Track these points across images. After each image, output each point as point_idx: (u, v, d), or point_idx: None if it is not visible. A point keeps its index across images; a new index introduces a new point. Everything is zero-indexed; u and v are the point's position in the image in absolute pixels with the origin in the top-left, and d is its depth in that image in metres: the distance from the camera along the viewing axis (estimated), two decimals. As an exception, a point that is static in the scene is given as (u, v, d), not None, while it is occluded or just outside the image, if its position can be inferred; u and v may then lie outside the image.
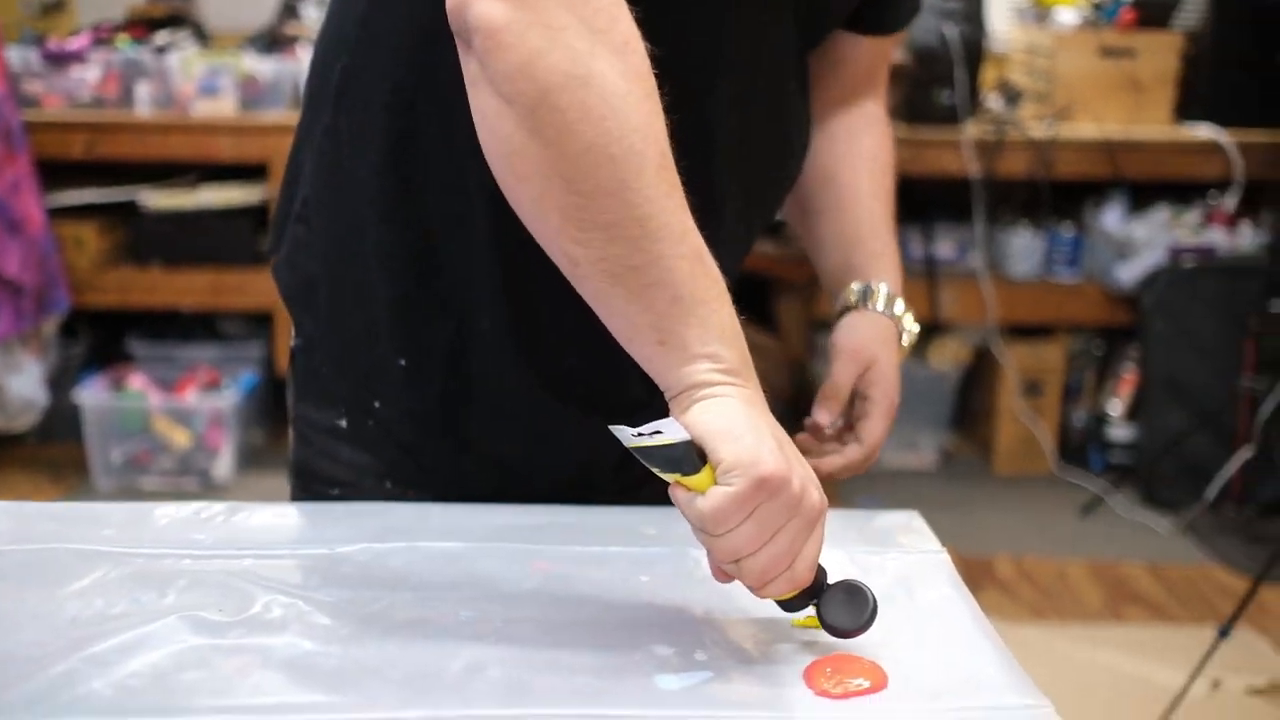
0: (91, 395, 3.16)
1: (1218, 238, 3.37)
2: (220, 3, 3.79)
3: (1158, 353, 3.33)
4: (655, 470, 0.77)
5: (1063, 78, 3.35)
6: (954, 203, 3.40)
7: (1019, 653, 0.83)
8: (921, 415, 3.49)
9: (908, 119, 3.25)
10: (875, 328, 1.09)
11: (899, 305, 1.10)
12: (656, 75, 0.78)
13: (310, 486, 1.06)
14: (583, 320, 0.81)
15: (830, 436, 1.08)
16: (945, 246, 3.47)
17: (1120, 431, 3.48)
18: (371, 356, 1.01)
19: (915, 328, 1.12)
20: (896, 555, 0.97)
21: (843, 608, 0.80)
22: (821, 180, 1.12)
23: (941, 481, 3.42)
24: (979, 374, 3.58)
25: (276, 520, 1.00)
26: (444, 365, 0.99)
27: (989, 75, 3.40)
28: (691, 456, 0.75)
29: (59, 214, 3.22)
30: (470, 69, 0.78)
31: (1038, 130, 3.29)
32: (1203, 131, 3.32)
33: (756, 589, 0.78)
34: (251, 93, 3.20)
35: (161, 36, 3.35)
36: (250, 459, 3.31)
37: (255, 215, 3.28)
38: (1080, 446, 3.55)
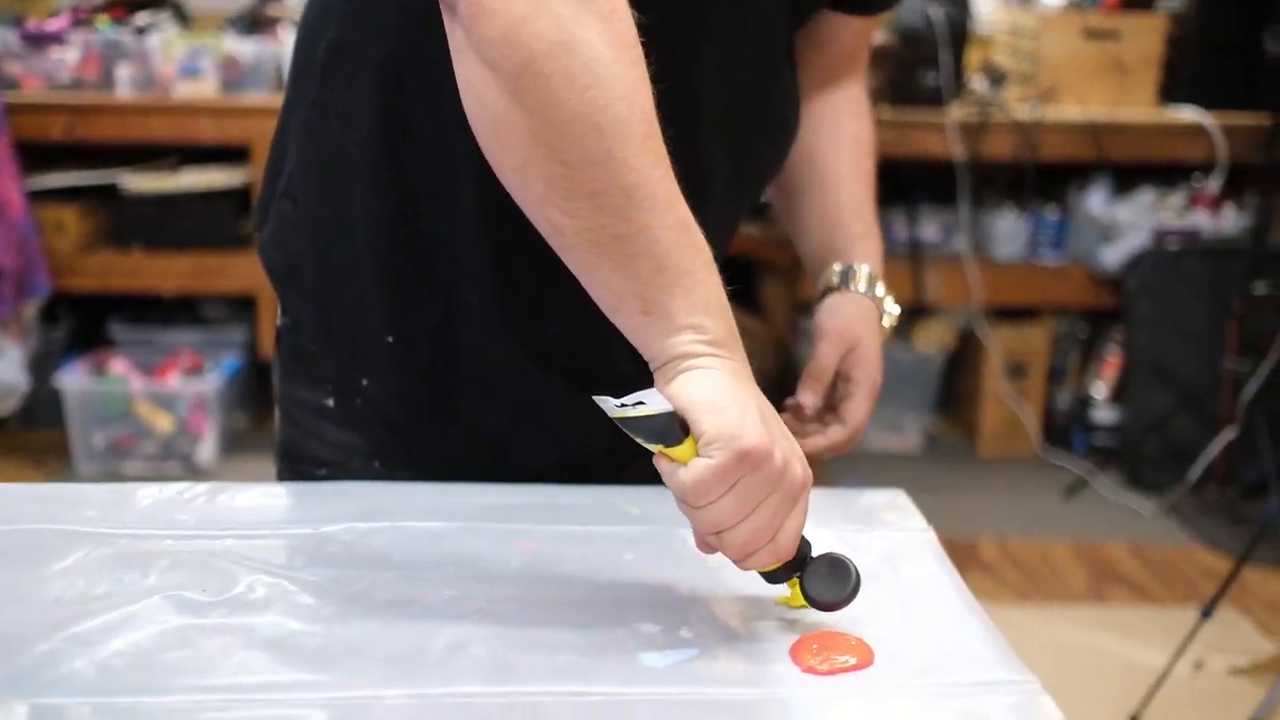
0: (73, 380, 3.15)
1: (1202, 220, 3.37)
2: (201, -16, 3.76)
3: (1142, 335, 3.34)
4: (639, 441, 0.76)
5: (1047, 60, 3.35)
6: (939, 185, 3.39)
7: (1003, 633, 0.83)
8: (906, 398, 3.49)
9: (892, 101, 3.24)
10: (858, 309, 1.09)
11: (880, 287, 1.10)
12: (643, 43, 0.77)
13: (297, 467, 1.05)
14: (570, 294, 0.81)
15: (812, 418, 1.08)
16: (930, 229, 3.47)
17: (1104, 414, 3.49)
18: (359, 334, 1.00)
19: (896, 309, 1.12)
20: (882, 533, 0.97)
21: (825, 581, 0.80)
22: (803, 161, 1.12)
23: (926, 464, 3.43)
24: (964, 357, 3.59)
25: (260, 501, 0.99)
26: (432, 341, 0.99)
27: (974, 57, 3.39)
28: (674, 428, 0.75)
29: (39, 197, 3.19)
30: (455, 36, 0.78)
31: (1022, 112, 3.29)
32: (1187, 114, 3.32)
33: (738, 561, 0.78)
34: (233, 74, 3.18)
35: (142, 17, 3.31)
36: (233, 443, 3.30)
37: (237, 198, 3.26)
38: (1064, 429, 3.56)
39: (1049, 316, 3.53)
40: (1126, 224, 3.36)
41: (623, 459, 0.94)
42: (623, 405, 0.75)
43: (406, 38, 0.91)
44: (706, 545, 0.79)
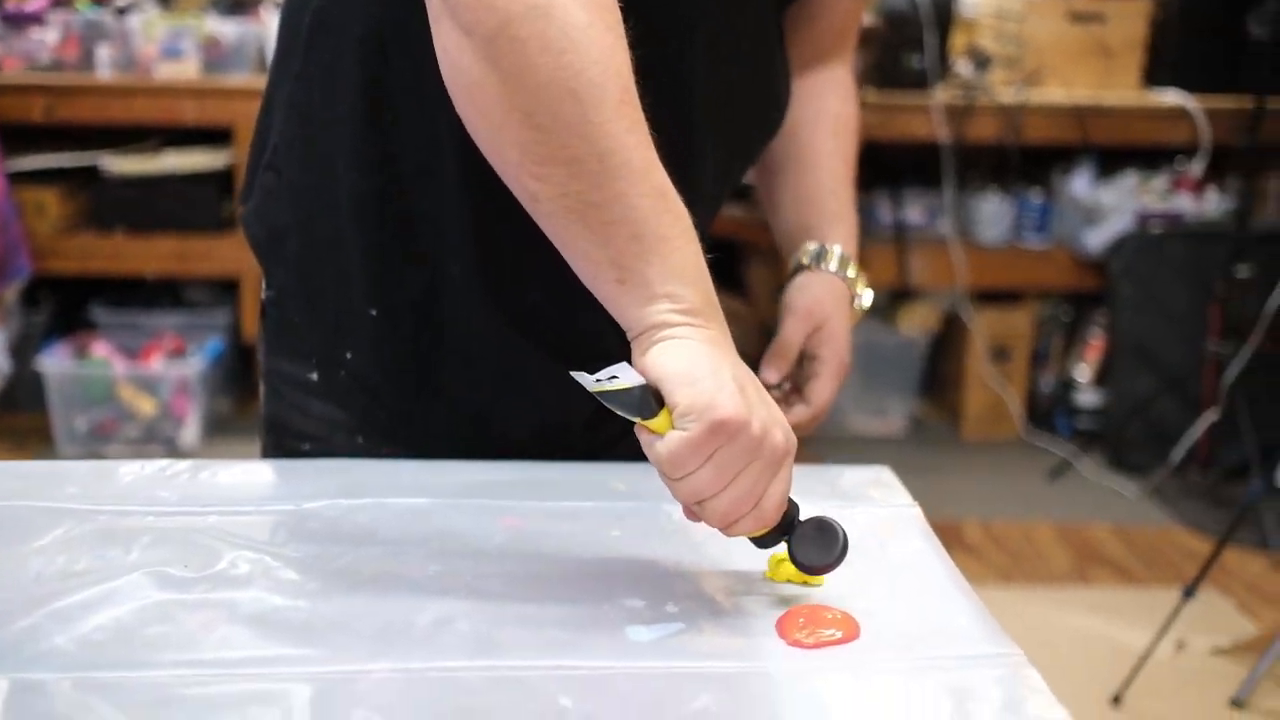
0: (55, 363, 3.13)
1: (1185, 203, 3.38)
2: (182, -35, 3.73)
3: (1125, 318, 3.35)
4: (618, 413, 0.76)
5: (1032, 43, 3.35)
6: (923, 168, 3.40)
7: (987, 612, 0.83)
8: (890, 381, 3.50)
9: (878, 84, 3.24)
10: (827, 287, 1.07)
11: (852, 269, 1.09)
12: (630, 10, 0.77)
13: (282, 442, 1.05)
14: (552, 265, 0.80)
15: (779, 398, 1.07)
16: (914, 212, 3.47)
17: (1087, 396, 3.51)
18: (342, 307, 1.00)
19: (869, 294, 1.10)
20: (868, 509, 0.97)
21: (813, 545, 0.80)
22: (785, 139, 1.11)
23: (910, 447, 3.43)
24: (948, 340, 3.59)
25: (242, 477, 0.99)
26: (415, 314, 0.98)
27: (958, 40, 3.39)
28: (648, 400, 0.74)
29: (19, 179, 3.17)
30: (433, 2, 0.77)
31: (1007, 95, 3.29)
32: (1170, 97, 3.33)
33: (722, 529, 0.78)
34: (215, 55, 3.16)
35: (122, -2, 3.29)
36: (217, 427, 3.29)
37: (220, 180, 3.24)
38: (1048, 411, 3.57)
39: (1033, 299, 3.54)
40: (1110, 207, 3.37)
41: (610, 435, 0.94)
42: (598, 380, 0.75)
43: (390, 11, 0.91)
44: (692, 514, 0.79)
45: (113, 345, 3.22)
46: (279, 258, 1.03)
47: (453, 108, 0.79)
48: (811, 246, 1.09)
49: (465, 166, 0.89)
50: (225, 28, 3.18)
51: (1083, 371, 3.52)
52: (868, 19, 3.12)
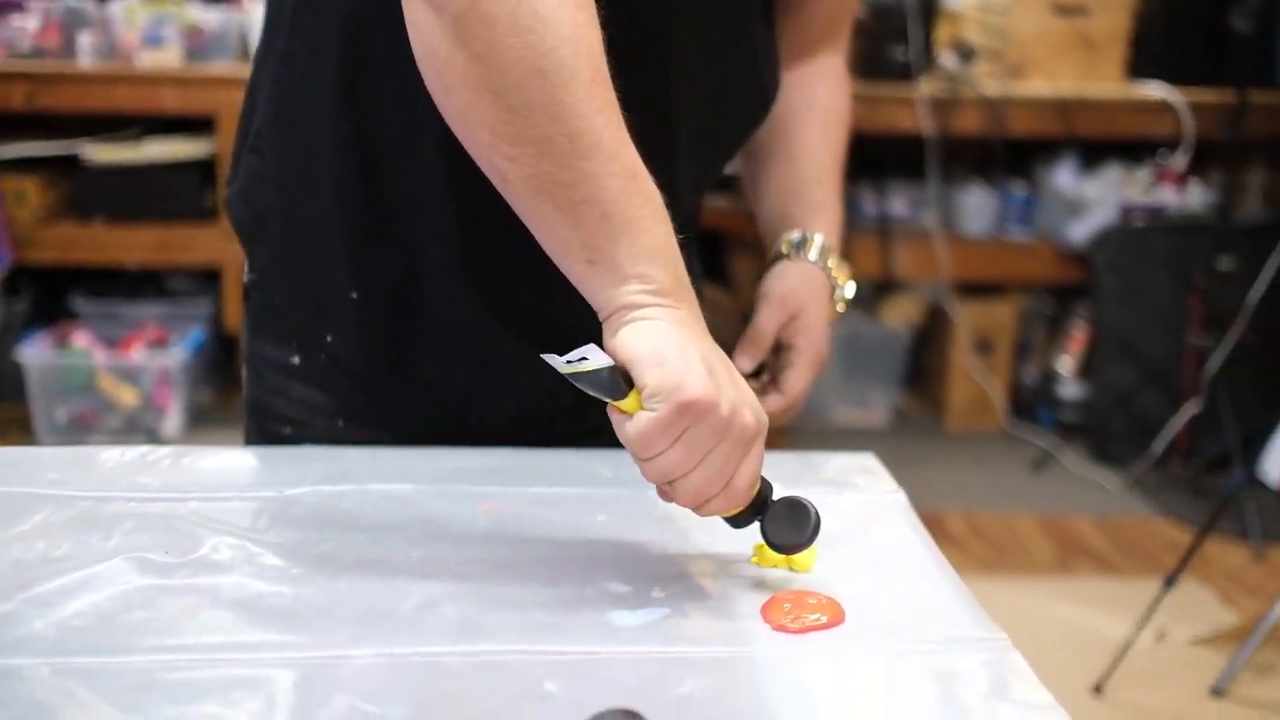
0: (35, 353, 3.11)
1: (1168, 196, 3.39)
2: (164, -48, 3.71)
3: (1108, 311, 3.36)
4: (591, 394, 0.76)
5: (1016, 35, 3.35)
6: (908, 160, 3.40)
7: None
8: (873, 373, 3.50)
9: (862, 75, 3.23)
10: (805, 277, 1.06)
11: (833, 260, 1.07)
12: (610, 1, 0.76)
13: (263, 426, 1.04)
14: (532, 251, 0.80)
15: (757, 388, 1.05)
16: (899, 204, 3.47)
17: (1070, 389, 3.52)
18: (324, 289, 0.99)
19: (850, 287, 1.08)
20: (853, 495, 0.97)
21: (785, 524, 0.80)
22: (772, 128, 1.10)
23: (893, 439, 3.44)
24: (931, 332, 3.60)
25: (224, 464, 0.98)
26: (395, 296, 0.98)
27: (943, 32, 3.39)
28: (617, 381, 0.75)
29: (-1, 167, 3.15)
30: None
31: (991, 88, 3.29)
32: (1154, 90, 3.34)
33: (693, 509, 0.78)
34: (197, 43, 3.13)
35: (103, -15, 3.27)
36: (199, 417, 3.27)
37: (202, 169, 3.22)
38: (1031, 404, 3.58)
39: (1016, 292, 3.55)
40: (1093, 200, 3.38)
41: (594, 423, 0.94)
42: (569, 361, 0.75)
43: None
44: (665, 494, 0.79)
45: (94, 335, 3.19)
46: (262, 240, 1.02)
47: None
48: (791, 236, 1.07)
49: (444, 149, 0.88)
50: (207, 15, 3.16)
51: (1065, 364, 3.53)
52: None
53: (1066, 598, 2.60)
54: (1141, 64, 3.39)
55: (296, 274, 1.01)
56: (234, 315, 3.22)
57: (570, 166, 0.75)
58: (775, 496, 0.81)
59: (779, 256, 1.07)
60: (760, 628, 0.76)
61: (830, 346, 1.09)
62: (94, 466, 0.96)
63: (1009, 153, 3.42)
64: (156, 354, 3.15)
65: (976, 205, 3.48)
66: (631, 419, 0.75)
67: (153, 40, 3.11)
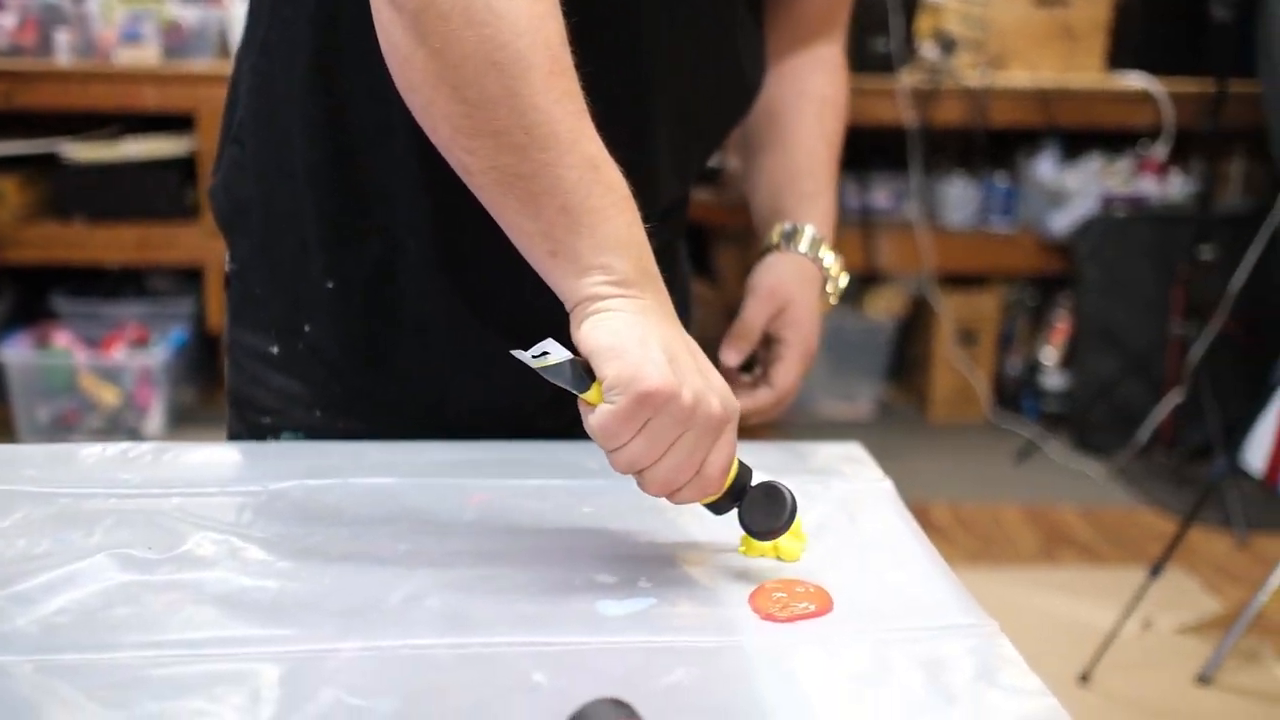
0: (15, 353, 3.09)
1: (1149, 186, 3.40)
2: (141, -51, 3.68)
3: (1090, 301, 3.37)
4: (561, 387, 0.76)
5: (997, 26, 3.36)
6: (890, 152, 3.40)
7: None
8: (857, 365, 3.51)
9: (844, 68, 3.24)
10: (794, 268, 1.05)
11: (825, 251, 1.06)
12: None
13: (244, 415, 1.04)
14: (506, 243, 0.80)
15: (748, 383, 1.05)
16: (881, 196, 3.47)
17: (1054, 379, 3.53)
18: (301, 279, 0.99)
19: (843, 278, 1.07)
20: (840, 484, 0.97)
21: (761, 510, 0.80)
22: (764, 119, 1.10)
23: (878, 431, 3.44)
24: (915, 324, 3.61)
25: (206, 459, 0.97)
26: (370, 287, 0.98)
27: (924, 24, 3.40)
28: (579, 374, 0.75)
29: (-23, 167, 3.12)
30: None
31: (972, 79, 3.30)
32: (1134, 80, 3.34)
33: (665, 498, 0.78)
34: (175, 40, 3.11)
35: (80, -18, 3.24)
36: (181, 417, 3.25)
37: (183, 167, 3.20)
38: (1014, 394, 3.59)
39: (999, 283, 3.56)
40: (1075, 190, 3.39)
41: (573, 414, 0.93)
42: (534, 356, 0.75)
43: None
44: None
45: (74, 335, 3.18)
46: (243, 230, 1.02)
47: None
48: (783, 227, 1.06)
49: (416, 143, 0.88)
50: (186, 12, 3.14)
51: (1049, 354, 3.54)
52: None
53: (1052, 587, 2.61)
54: (1122, 54, 3.40)
55: (274, 264, 1.01)
56: (215, 314, 3.21)
57: (528, 158, 0.75)
58: (754, 482, 0.81)
59: (769, 248, 1.06)
60: (748, 617, 0.76)
61: (820, 339, 1.08)
62: (74, 463, 0.95)
63: (990, 144, 3.43)
64: (138, 353, 3.14)
65: (959, 196, 3.48)
66: (594, 411, 0.75)
67: (131, 37, 3.09)
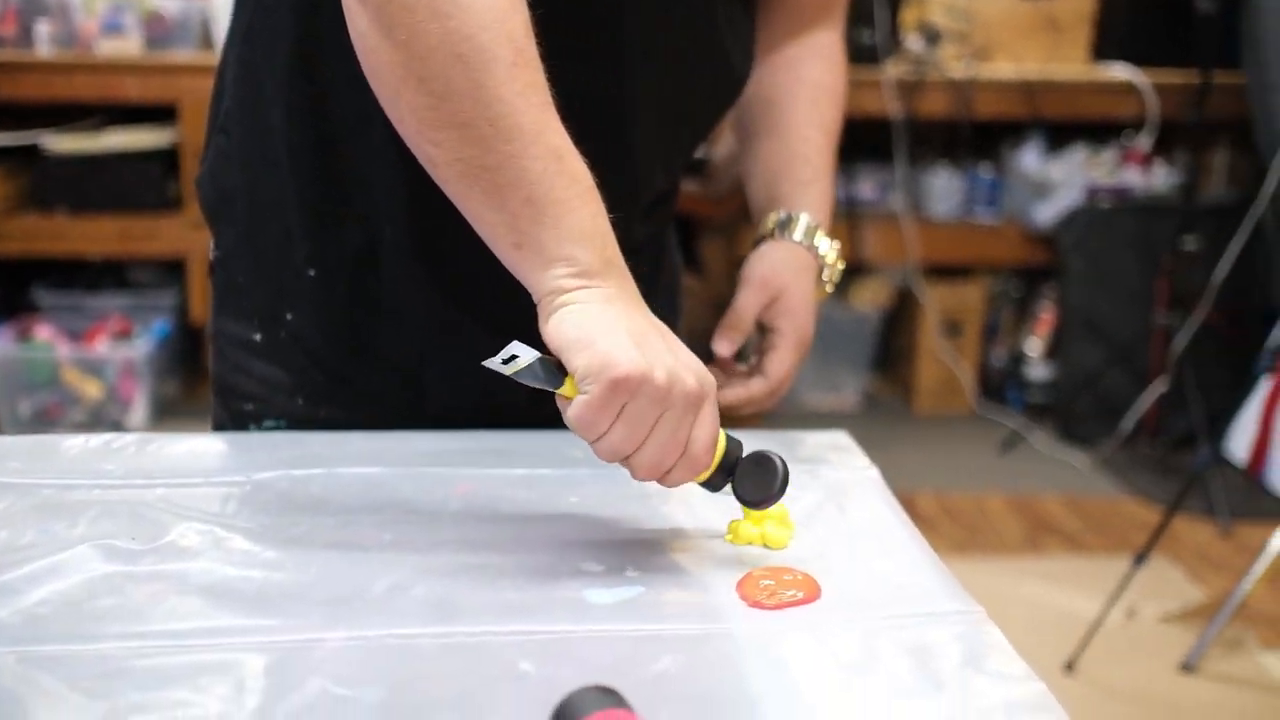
0: (-3, 346, 3.07)
1: (1133, 177, 3.41)
2: (123, -60, 3.66)
3: (1075, 292, 3.38)
4: (538, 387, 0.76)
5: (981, 17, 3.36)
6: (875, 143, 3.40)
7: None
8: (843, 357, 3.51)
9: (829, 59, 3.23)
10: (788, 257, 1.04)
11: (820, 238, 1.05)
12: None
13: (227, 403, 1.04)
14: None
15: (743, 372, 1.04)
16: (866, 187, 3.48)
17: (1038, 370, 3.54)
18: (284, 267, 0.99)
19: (839, 265, 1.06)
20: (827, 472, 0.96)
21: (752, 479, 0.80)
22: (760, 106, 1.09)
23: (863, 422, 3.44)
24: (900, 315, 3.61)
25: (190, 450, 0.97)
26: (351, 276, 0.98)
27: (909, 15, 3.40)
28: (551, 371, 0.75)
29: (-43, 159, 3.10)
30: None
31: (957, 70, 3.30)
32: (1118, 71, 3.35)
33: (658, 481, 0.77)
34: (158, 30, 3.09)
35: (61, -27, 3.22)
36: (165, 409, 3.24)
37: (165, 159, 3.18)
38: (999, 385, 3.60)
39: (984, 274, 3.56)
40: (1059, 181, 3.39)
41: (554, 405, 0.93)
42: (504, 361, 0.75)
43: None
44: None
45: (56, 328, 3.16)
46: (228, 219, 1.02)
47: None
48: (778, 215, 1.05)
49: (393, 129, 0.87)
50: (167, 2, 3.12)
51: (1033, 345, 3.55)
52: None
53: (1037, 577, 2.62)
54: (1106, 46, 3.40)
55: (258, 252, 1.00)
56: (198, 306, 3.19)
57: (492, 150, 0.76)
58: (745, 454, 0.80)
59: (763, 237, 1.06)
60: (736, 604, 0.76)
61: (814, 328, 1.06)
62: (56, 455, 0.94)
63: (975, 135, 3.43)
64: (121, 346, 3.12)
65: (943, 188, 3.48)
66: (571, 403, 0.75)
67: (112, 28, 3.07)
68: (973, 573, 2.60)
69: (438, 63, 0.75)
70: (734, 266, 3.58)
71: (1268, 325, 2.97)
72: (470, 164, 0.76)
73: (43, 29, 3.07)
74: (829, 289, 1.07)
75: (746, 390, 1.02)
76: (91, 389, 3.10)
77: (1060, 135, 3.50)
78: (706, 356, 1.03)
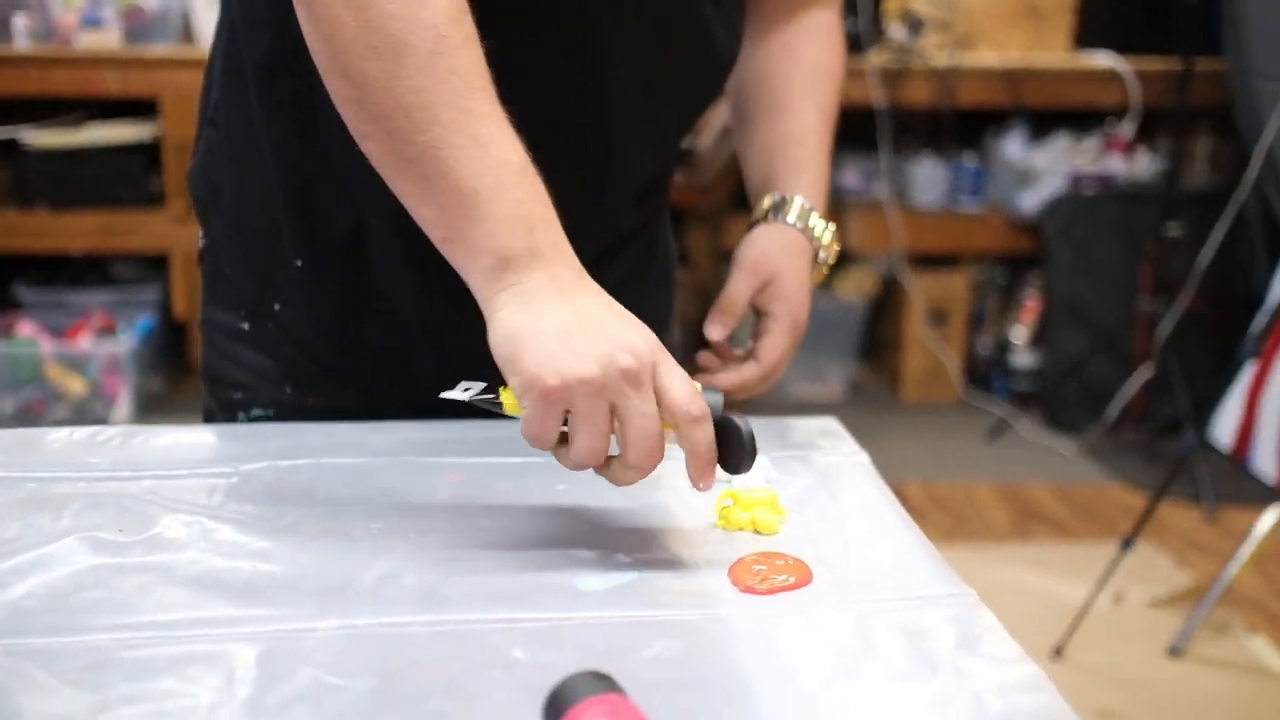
0: (-22, 343, 3.05)
1: (1116, 165, 3.42)
2: (101, -67, 3.63)
3: (1059, 279, 3.39)
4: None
5: (964, 6, 3.36)
6: (859, 132, 3.40)
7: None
8: (829, 346, 3.51)
9: (812, 48, 3.23)
10: (781, 240, 1.02)
11: (815, 219, 1.03)
12: None
13: (216, 391, 1.04)
14: None
15: (738, 357, 1.03)
16: (851, 176, 3.48)
17: (1024, 358, 3.54)
18: (271, 257, 0.99)
19: (836, 246, 1.05)
20: (818, 457, 0.96)
21: (720, 446, 0.75)
22: (754, 87, 1.08)
23: (850, 412, 3.43)
24: (886, 304, 3.61)
25: (175, 442, 0.96)
26: (338, 265, 0.98)
27: (892, 4, 3.40)
28: (493, 401, 0.77)
29: (-64, 154, 3.08)
30: None
31: (940, 59, 3.30)
32: (1101, 59, 3.36)
33: (652, 469, 0.75)
34: (137, 23, 3.07)
35: (39, -34, 3.19)
36: (149, 405, 3.22)
37: (146, 153, 3.16)
38: (985, 373, 3.60)
39: (969, 263, 3.56)
40: (1043, 169, 3.40)
41: None
42: (467, 394, 0.78)
43: None
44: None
45: (39, 324, 3.14)
46: (216, 208, 1.02)
47: None
48: (771, 198, 1.04)
49: None
50: (147, -4, 3.10)
51: (1019, 333, 3.56)
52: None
53: (1025, 563, 2.62)
54: (1088, 33, 3.41)
55: (245, 242, 1.00)
56: (182, 301, 3.17)
57: (410, 141, 0.75)
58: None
59: (756, 220, 1.04)
60: (728, 589, 0.75)
61: (808, 311, 1.04)
62: (40, 448, 0.94)
63: (959, 124, 3.43)
64: (104, 342, 3.10)
65: (928, 177, 3.49)
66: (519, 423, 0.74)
67: (91, 21, 3.05)
68: (961, 560, 2.59)
69: (355, 55, 0.75)
70: (719, 256, 3.59)
71: (1251, 311, 2.98)
72: (396, 156, 0.76)
73: (20, 22, 3.05)
74: (825, 271, 1.06)
75: (739, 375, 1.01)
76: (75, 385, 3.08)
77: (1043, 123, 3.50)
78: (697, 344, 1.03)
